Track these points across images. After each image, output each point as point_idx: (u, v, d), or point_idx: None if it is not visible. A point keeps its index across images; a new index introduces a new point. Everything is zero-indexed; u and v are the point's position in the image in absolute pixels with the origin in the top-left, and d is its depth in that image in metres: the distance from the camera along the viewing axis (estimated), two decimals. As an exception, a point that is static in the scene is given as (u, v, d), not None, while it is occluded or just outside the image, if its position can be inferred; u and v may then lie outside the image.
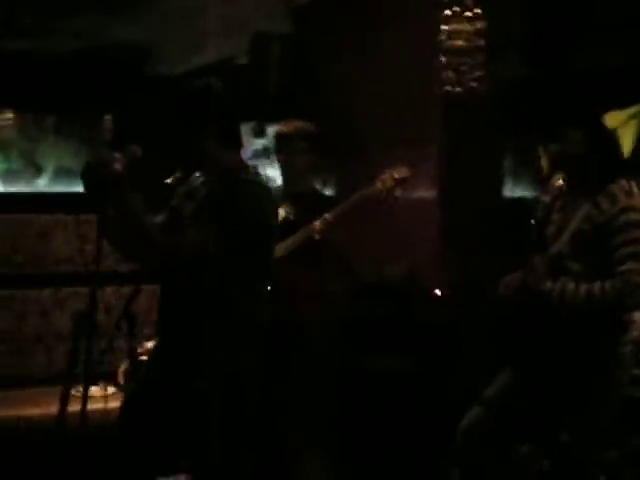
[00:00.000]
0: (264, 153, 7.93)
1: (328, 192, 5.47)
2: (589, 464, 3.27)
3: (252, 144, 7.95)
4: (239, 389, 3.08)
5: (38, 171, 7.04)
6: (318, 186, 4.62)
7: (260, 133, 8.02)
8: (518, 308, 3.36)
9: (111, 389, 4.44)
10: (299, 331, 4.12)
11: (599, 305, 3.15)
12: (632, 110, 5.98)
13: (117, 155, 2.99)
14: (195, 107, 3.18)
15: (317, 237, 3.95)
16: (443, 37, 5.90)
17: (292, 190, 4.30)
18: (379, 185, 4.06)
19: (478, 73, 5.91)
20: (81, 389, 4.27)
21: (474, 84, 5.90)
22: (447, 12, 5.91)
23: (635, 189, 3.28)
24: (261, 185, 3.25)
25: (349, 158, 5.44)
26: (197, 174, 3.35)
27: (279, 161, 4.34)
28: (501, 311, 3.42)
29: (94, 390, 4.37)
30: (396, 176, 4.06)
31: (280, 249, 4.14)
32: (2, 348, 4.85)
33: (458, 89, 5.90)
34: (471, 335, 4.50)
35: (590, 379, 3.25)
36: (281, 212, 4.26)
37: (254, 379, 3.19)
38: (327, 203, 4.15)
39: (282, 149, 4.33)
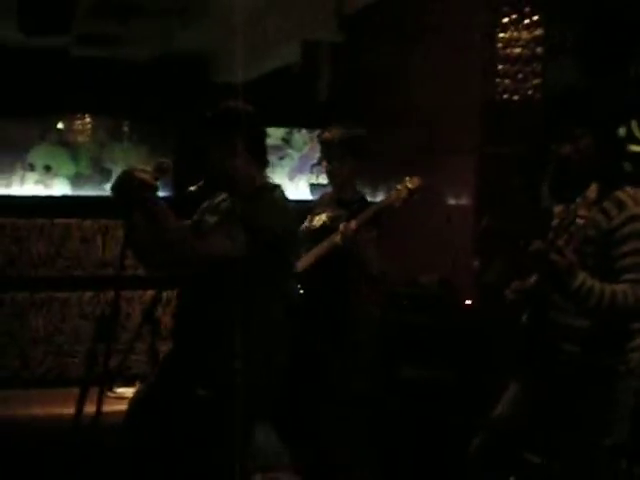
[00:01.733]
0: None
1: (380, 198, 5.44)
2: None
3: (317, 150, 8.06)
4: (248, 397, 3.11)
5: (107, 176, 7.29)
6: (367, 191, 4.58)
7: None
8: (526, 319, 3.34)
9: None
10: (328, 341, 4.16)
11: (620, 310, 3.09)
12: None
13: (147, 168, 3.07)
14: (226, 126, 3.27)
15: (339, 242, 3.99)
16: (500, 44, 5.85)
17: (338, 196, 4.33)
18: (394, 195, 4.07)
19: (536, 81, 5.85)
20: (117, 390, 4.54)
21: (531, 92, 5.84)
22: (505, 19, 5.87)
23: None
24: (279, 198, 3.32)
25: (399, 164, 5.44)
26: (220, 193, 3.44)
27: (324, 168, 4.36)
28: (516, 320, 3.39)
29: (129, 391, 4.49)
30: (410, 186, 4.07)
31: (309, 257, 4.19)
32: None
33: (515, 97, 5.86)
34: (501, 344, 4.46)
35: (596, 390, 3.19)
36: (322, 218, 4.32)
37: (268, 388, 3.25)
38: None
39: (325, 156, 4.35)
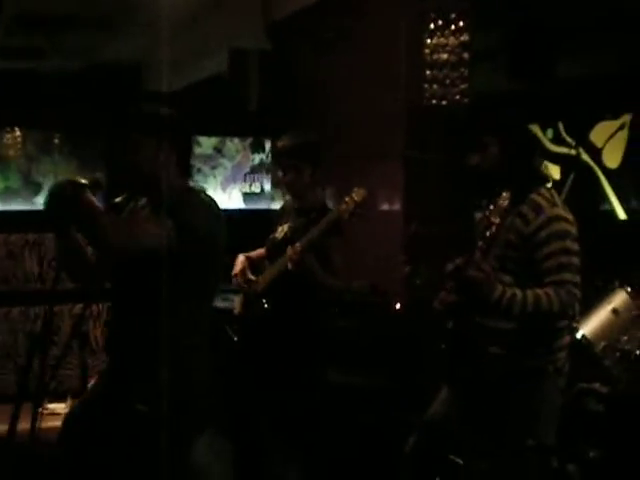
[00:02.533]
0: (260, 167, 8.04)
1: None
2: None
3: (250, 159, 8.08)
4: (180, 408, 3.09)
5: (36, 190, 7.21)
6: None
7: (258, 148, 8.12)
8: (452, 324, 3.36)
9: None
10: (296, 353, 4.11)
11: (545, 314, 3.12)
12: (620, 121, 5.95)
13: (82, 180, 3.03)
14: (148, 131, 3.23)
15: (290, 267, 3.91)
16: (428, 50, 5.90)
17: (298, 205, 4.22)
18: (343, 209, 3.98)
19: (463, 86, 5.90)
20: (49, 406, 4.48)
21: (459, 97, 5.90)
22: (432, 25, 5.91)
23: (557, 198, 3.26)
24: (206, 204, 3.28)
25: (328, 171, 5.44)
26: (140, 199, 3.39)
27: (280, 178, 4.29)
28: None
29: (60, 406, 4.45)
30: (357, 199, 4.00)
31: (267, 275, 4.12)
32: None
33: (443, 102, 5.91)
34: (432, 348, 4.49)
35: (523, 391, 3.23)
36: (284, 229, 4.25)
37: (200, 398, 3.22)
38: None
39: (279, 165, 4.27)
